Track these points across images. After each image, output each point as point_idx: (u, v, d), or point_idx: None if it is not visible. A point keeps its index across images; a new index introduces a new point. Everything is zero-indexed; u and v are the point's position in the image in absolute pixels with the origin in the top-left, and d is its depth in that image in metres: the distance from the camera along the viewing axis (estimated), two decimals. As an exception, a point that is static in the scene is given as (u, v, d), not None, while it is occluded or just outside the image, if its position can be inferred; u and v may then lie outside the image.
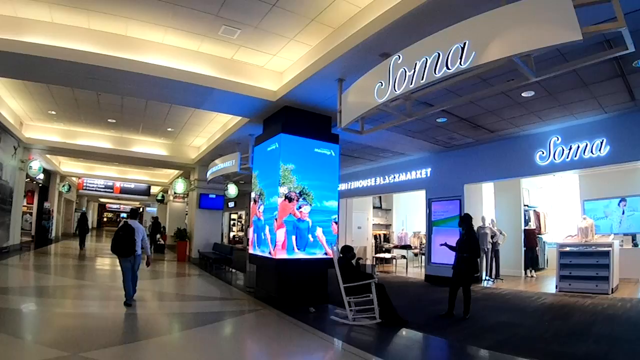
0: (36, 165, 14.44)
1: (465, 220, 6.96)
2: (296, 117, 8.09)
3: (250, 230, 8.67)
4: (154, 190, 26.96)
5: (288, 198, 7.66)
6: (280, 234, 7.49)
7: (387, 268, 14.48)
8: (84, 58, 6.57)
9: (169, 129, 13.04)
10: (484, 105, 7.93)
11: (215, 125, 12.27)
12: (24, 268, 11.02)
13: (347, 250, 7.01)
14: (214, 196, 15.56)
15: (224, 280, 11.04)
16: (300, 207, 7.82)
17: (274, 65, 7.83)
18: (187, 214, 21.51)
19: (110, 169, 22.62)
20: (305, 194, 8.00)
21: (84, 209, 30.68)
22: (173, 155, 15.23)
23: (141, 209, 44.78)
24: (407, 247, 15.26)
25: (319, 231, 8.06)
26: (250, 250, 8.70)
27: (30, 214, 19.30)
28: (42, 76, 7.75)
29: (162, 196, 25.59)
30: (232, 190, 15.70)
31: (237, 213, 27.90)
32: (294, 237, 7.66)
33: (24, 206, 18.29)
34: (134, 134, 14.11)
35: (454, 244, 7.07)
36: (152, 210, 34.96)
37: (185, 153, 15.42)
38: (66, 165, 21.34)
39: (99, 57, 6.65)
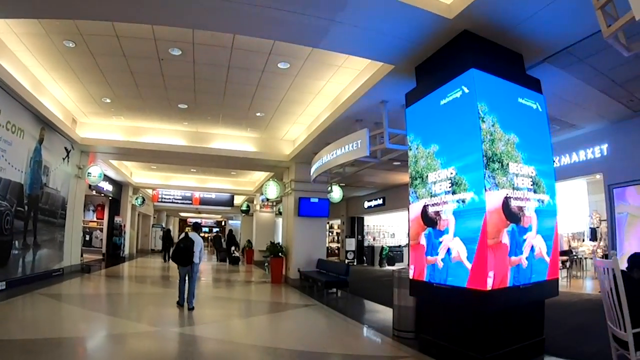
0: (96, 171, 11.96)
1: None
2: (484, 49, 4.79)
3: (418, 248, 4.78)
4: (237, 201, 24.35)
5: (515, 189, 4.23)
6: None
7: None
8: None
9: (258, 114, 9.79)
10: None
11: (322, 102, 8.77)
12: (65, 301, 7.77)
13: (636, 265, 3.59)
14: (316, 200, 11.90)
15: (346, 314, 7.23)
16: (523, 208, 4.27)
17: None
18: (275, 225, 18.67)
19: (187, 177, 20.16)
20: (536, 183, 4.46)
21: (162, 224, 29.73)
22: (262, 152, 12.05)
23: (223, 222, 43.46)
24: (567, 252, 11.55)
25: (539, 242, 4.39)
26: (413, 276, 4.93)
27: (101, 229, 17.59)
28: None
29: (247, 206, 22.73)
30: (335, 193, 12.43)
31: (329, 222, 24.52)
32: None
33: (92, 221, 17.22)
34: (213, 126, 11.16)
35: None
36: (236, 223, 32.71)
37: (278, 148, 12.14)
38: (138, 175, 19.35)
39: None
